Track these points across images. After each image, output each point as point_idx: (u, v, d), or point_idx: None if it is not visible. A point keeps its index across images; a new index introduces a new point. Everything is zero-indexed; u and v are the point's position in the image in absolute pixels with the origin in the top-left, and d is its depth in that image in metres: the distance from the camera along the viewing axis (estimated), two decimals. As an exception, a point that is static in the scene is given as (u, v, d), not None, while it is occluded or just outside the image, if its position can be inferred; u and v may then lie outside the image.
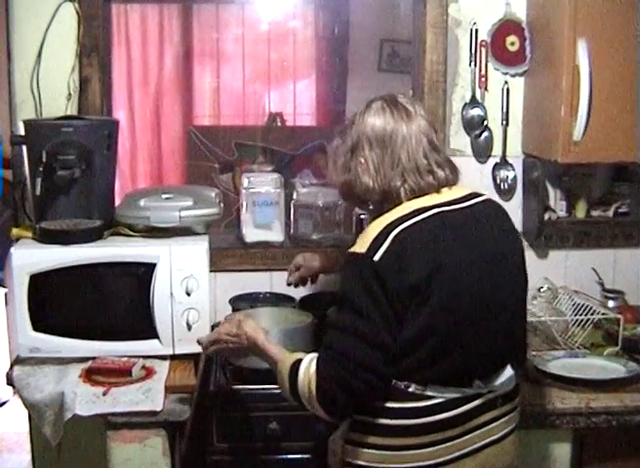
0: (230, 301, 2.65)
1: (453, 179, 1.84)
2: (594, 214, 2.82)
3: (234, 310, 2.59)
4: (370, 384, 1.65)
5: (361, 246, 1.69)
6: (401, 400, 1.71)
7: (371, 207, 1.87)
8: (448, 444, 1.72)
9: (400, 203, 1.77)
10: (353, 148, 1.82)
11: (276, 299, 2.67)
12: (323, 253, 2.58)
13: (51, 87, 2.63)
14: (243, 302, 2.64)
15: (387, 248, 1.66)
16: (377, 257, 1.65)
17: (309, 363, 1.71)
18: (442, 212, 1.75)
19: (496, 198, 2.79)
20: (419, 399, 1.71)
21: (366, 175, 1.80)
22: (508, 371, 1.80)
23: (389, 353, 1.66)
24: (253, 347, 1.90)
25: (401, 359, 1.67)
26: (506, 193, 2.83)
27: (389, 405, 1.71)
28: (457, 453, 1.74)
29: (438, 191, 1.80)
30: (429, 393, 1.70)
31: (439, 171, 1.80)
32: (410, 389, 1.70)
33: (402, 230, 1.69)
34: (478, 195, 1.86)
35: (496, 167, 2.82)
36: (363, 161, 1.80)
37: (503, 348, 1.80)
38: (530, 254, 2.86)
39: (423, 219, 1.72)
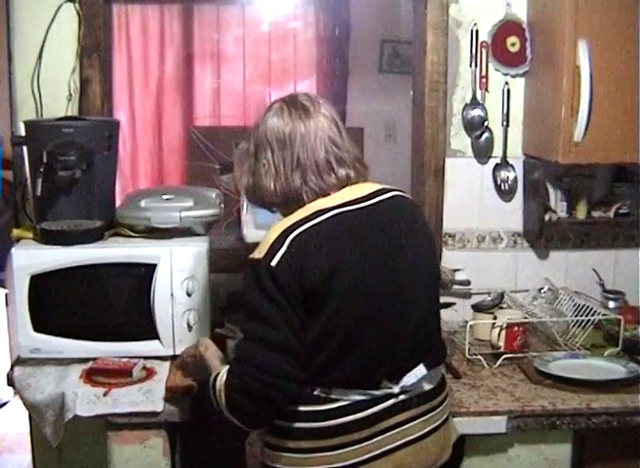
0: (227, 297, 2.65)
1: (356, 177, 1.83)
2: (595, 214, 2.81)
3: (230, 306, 2.60)
4: (279, 388, 1.65)
5: (260, 251, 1.69)
6: (308, 403, 1.72)
7: (274, 210, 1.88)
8: (358, 446, 1.72)
9: (303, 204, 1.77)
10: (257, 151, 1.83)
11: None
12: None
13: (51, 87, 2.63)
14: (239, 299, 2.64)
15: (284, 252, 1.66)
16: (274, 262, 1.65)
17: (222, 375, 1.72)
18: (341, 212, 1.74)
19: (496, 199, 2.83)
20: (324, 402, 1.71)
21: (268, 178, 1.80)
22: (421, 371, 1.79)
23: (296, 355, 1.66)
24: (200, 363, 1.93)
25: (307, 361, 1.68)
26: (507, 194, 2.83)
27: (298, 408, 1.72)
28: (367, 455, 1.73)
29: (339, 190, 1.79)
30: (334, 396, 1.71)
31: (340, 169, 1.79)
32: (315, 392, 1.71)
33: (299, 234, 1.68)
34: (387, 191, 1.84)
35: (496, 168, 2.82)
36: (265, 163, 1.80)
37: (412, 348, 1.79)
38: (530, 255, 2.88)
39: (321, 222, 1.71)
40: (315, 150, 1.77)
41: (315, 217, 1.72)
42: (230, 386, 1.69)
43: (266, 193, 1.83)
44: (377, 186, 1.85)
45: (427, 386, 1.81)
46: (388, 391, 1.74)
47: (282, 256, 1.65)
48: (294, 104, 1.81)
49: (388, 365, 1.75)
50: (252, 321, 1.68)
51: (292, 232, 1.69)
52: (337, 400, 1.71)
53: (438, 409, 1.84)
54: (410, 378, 1.77)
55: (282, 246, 1.67)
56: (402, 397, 1.76)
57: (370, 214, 1.77)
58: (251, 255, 1.71)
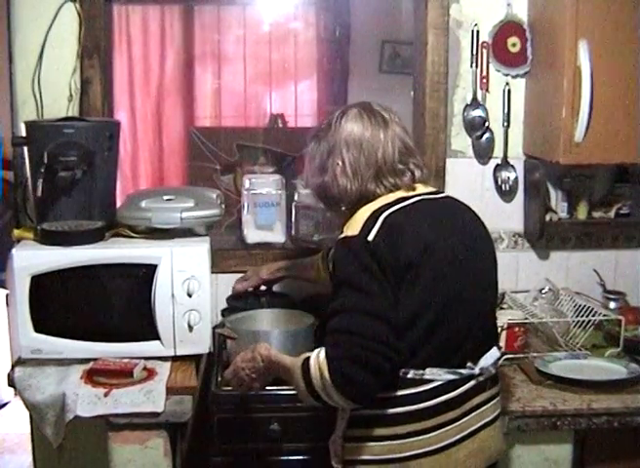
0: (227, 300, 2.65)
1: (427, 179, 1.95)
2: (595, 215, 2.81)
3: (230, 309, 2.60)
4: (386, 355, 1.64)
5: (353, 229, 1.74)
6: (401, 387, 1.74)
7: (343, 208, 1.92)
8: (451, 426, 1.77)
9: (375, 199, 1.84)
10: (330, 151, 1.87)
11: (275, 299, 2.67)
12: (273, 264, 2.63)
13: (52, 88, 2.63)
14: (241, 302, 2.63)
15: (379, 229, 1.72)
16: (370, 237, 1.70)
17: (318, 353, 1.69)
18: (424, 199, 1.85)
19: (497, 199, 2.84)
20: (418, 384, 1.74)
21: (343, 177, 1.86)
22: (495, 353, 1.87)
23: (394, 327, 1.67)
24: (268, 364, 1.87)
25: (400, 337, 1.69)
26: (508, 194, 2.83)
27: (390, 394, 1.73)
28: (458, 436, 1.78)
29: (413, 188, 1.88)
30: (428, 376, 1.74)
31: (416, 170, 1.89)
32: (409, 375, 1.73)
33: (391, 213, 1.76)
34: (442, 192, 1.99)
35: (497, 168, 2.82)
36: (340, 163, 1.86)
37: (489, 330, 1.89)
38: (531, 256, 2.88)
39: (408, 205, 1.80)
40: (392, 156, 1.85)
41: (401, 202, 1.81)
42: (334, 358, 1.65)
43: (338, 192, 1.88)
44: (434, 188, 1.98)
45: (493, 370, 1.86)
46: (471, 371, 1.80)
47: (377, 232, 1.71)
48: (371, 112, 1.88)
49: (471, 344, 1.81)
50: (349, 293, 1.69)
51: (383, 212, 1.76)
52: (431, 381, 1.74)
53: (500, 395, 1.92)
54: (487, 360, 1.84)
55: (376, 223, 1.73)
56: (480, 378, 1.82)
57: (446, 205, 1.90)
58: (343, 235, 1.76)
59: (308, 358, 1.71)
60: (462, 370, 1.78)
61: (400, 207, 1.79)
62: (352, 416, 1.78)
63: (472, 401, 1.80)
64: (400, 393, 1.74)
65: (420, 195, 1.85)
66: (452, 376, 1.76)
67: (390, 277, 1.69)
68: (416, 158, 1.90)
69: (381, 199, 1.83)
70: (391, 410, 1.74)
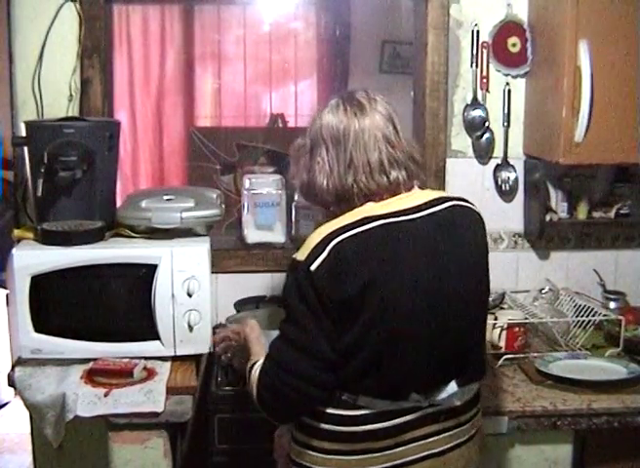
0: (235, 305, 2.65)
1: (409, 179, 1.78)
2: (595, 215, 2.81)
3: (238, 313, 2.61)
4: (304, 393, 1.68)
5: (302, 253, 1.69)
6: (336, 406, 1.72)
7: (331, 208, 1.84)
8: (379, 453, 1.72)
9: (354, 206, 1.75)
10: (312, 148, 1.81)
11: (276, 299, 2.67)
12: None
13: (52, 88, 2.63)
14: (248, 305, 2.64)
15: (325, 258, 1.65)
16: (313, 267, 1.65)
17: (257, 367, 1.76)
18: (387, 224, 1.69)
19: (497, 199, 2.83)
20: (351, 407, 1.71)
21: (322, 175, 1.78)
22: (452, 388, 1.76)
23: (326, 361, 1.66)
24: (244, 344, 1.96)
25: (339, 367, 1.68)
26: (508, 194, 2.84)
27: (326, 410, 1.73)
28: (388, 464, 1.72)
29: (395, 194, 1.76)
30: (361, 403, 1.71)
31: (393, 171, 1.75)
32: (343, 397, 1.71)
33: (341, 241, 1.66)
34: (444, 201, 1.79)
35: (497, 168, 2.82)
36: (320, 161, 1.78)
37: (448, 364, 1.75)
38: (531, 256, 2.88)
39: (364, 231, 1.67)
40: (369, 149, 1.73)
41: (360, 225, 1.68)
42: (261, 384, 1.73)
43: (320, 191, 1.79)
44: (433, 195, 1.80)
45: (457, 402, 1.78)
46: (416, 403, 1.73)
47: (322, 262, 1.64)
48: (350, 101, 1.78)
49: (419, 379, 1.73)
50: (287, 322, 1.71)
51: (334, 238, 1.66)
52: (363, 407, 1.70)
53: (466, 426, 1.81)
54: (441, 394, 1.75)
55: (323, 251, 1.65)
56: (430, 410, 1.74)
57: (416, 228, 1.71)
58: (294, 255, 1.71)
59: (254, 365, 1.78)
60: (403, 402, 1.71)
61: (354, 233, 1.66)
62: (300, 422, 1.78)
63: (415, 431, 1.72)
64: (332, 411, 1.72)
65: (390, 216, 1.70)
66: (387, 407, 1.70)
67: (330, 309, 1.64)
68: (397, 152, 1.75)
69: (347, 215, 1.71)
70: (322, 426, 1.73)
